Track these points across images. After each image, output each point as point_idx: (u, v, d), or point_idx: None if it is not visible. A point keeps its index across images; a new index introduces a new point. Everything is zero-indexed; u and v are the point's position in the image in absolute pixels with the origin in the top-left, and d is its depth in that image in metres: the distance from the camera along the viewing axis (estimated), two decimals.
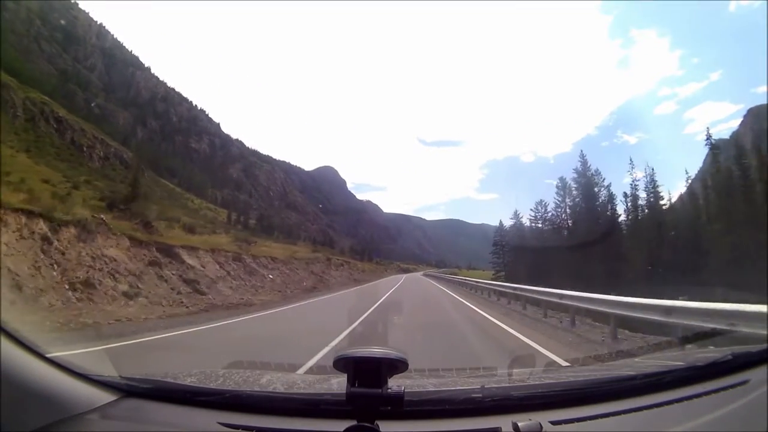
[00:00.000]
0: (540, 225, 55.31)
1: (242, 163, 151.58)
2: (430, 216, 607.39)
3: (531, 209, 56.75)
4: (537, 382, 1.51)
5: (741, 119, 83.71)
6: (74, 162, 43.62)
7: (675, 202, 42.40)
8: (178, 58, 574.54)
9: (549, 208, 52.90)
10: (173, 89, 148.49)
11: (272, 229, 73.26)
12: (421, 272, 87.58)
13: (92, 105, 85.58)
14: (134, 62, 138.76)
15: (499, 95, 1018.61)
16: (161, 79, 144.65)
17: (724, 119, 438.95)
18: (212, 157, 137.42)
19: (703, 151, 39.23)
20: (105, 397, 1.24)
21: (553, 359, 5.15)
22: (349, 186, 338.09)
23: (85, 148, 49.80)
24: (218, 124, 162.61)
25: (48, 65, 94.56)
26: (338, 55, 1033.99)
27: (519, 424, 1.04)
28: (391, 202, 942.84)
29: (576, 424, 1.15)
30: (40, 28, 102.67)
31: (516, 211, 65.03)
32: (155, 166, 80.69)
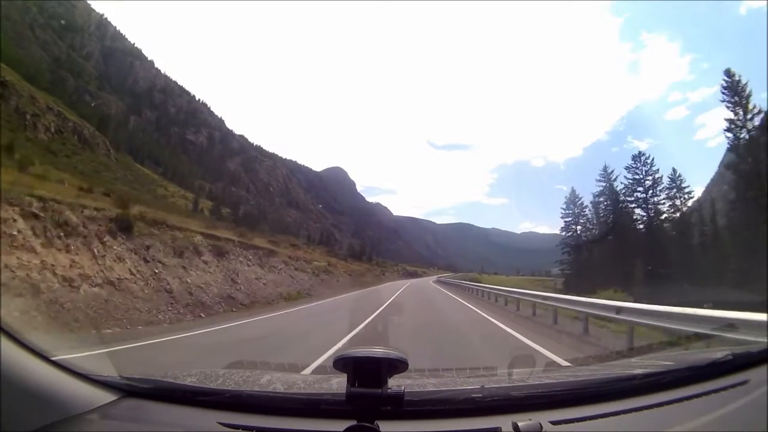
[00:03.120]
0: (643, 193, 37.94)
1: (241, 158, 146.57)
2: (440, 220, 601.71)
3: (626, 168, 40.06)
4: (537, 382, 1.48)
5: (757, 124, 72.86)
6: (4, 128, 37.36)
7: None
8: (200, 60, 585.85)
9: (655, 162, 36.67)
10: (175, 82, 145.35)
11: (256, 221, 65.98)
12: (433, 277, 68.63)
13: (92, 105, 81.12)
14: (134, 53, 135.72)
15: (509, 99, 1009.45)
16: (162, 71, 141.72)
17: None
18: (210, 150, 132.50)
19: (716, 157, 31.37)
20: (105, 397, 1.23)
21: None
22: (359, 188, 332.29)
23: (28, 116, 43.80)
24: (221, 118, 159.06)
25: (41, 51, 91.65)
26: (351, 59, 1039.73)
27: (519, 424, 1.04)
28: (401, 205, 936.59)
29: (576, 424, 1.14)
30: (36, 15, 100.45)
31: (606, 167, 43.39)
32: (136, 153, 76.58)
